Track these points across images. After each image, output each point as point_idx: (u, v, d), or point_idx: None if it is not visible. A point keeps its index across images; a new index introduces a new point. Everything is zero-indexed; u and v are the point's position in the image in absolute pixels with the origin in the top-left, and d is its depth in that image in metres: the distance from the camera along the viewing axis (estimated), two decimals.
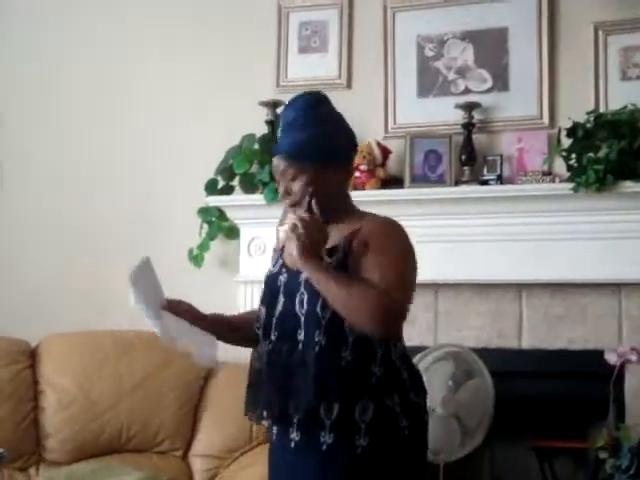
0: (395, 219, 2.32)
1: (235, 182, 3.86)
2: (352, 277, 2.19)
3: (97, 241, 4.12)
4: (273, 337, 2.31)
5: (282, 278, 2.33)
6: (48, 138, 4.25)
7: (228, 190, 3.87)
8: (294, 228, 2.20)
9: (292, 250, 2.21)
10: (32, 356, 3.50)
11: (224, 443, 3.41)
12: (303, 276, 2.24)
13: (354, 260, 2.23)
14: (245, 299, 3.83)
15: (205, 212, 3.90)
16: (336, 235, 2.28)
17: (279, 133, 2.35)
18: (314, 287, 2.20)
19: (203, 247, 3.88)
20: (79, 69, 4.24)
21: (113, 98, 4.19)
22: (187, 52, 4.11)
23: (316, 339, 2.18)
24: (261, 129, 3.82)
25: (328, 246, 2.25)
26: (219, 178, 3.88)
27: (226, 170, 3.85)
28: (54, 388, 3.40)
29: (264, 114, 3.82)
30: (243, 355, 3.69)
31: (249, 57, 4.02)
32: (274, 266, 2.40)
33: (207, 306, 3.92)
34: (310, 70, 3.94)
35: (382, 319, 2.13)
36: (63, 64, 4.26)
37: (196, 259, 3.89)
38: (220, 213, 3.87)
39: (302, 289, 2.25)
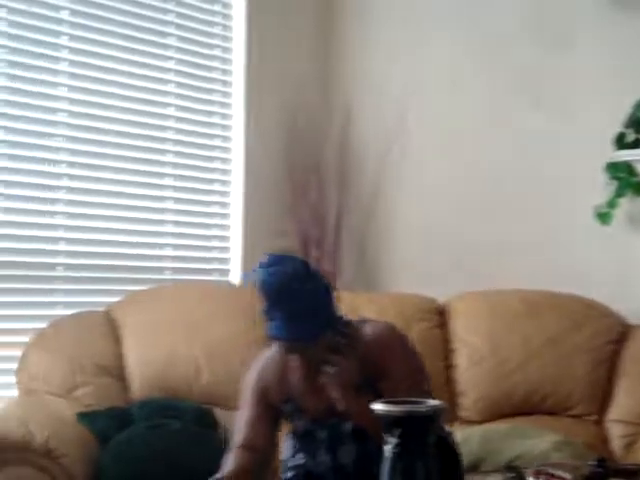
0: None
1: None
2: None
3: (506, 201, 4.09)
4: None
5: (321, 434, 2.50)
6: (452, 102, 4.27)
7: (638, 144, 3.66)
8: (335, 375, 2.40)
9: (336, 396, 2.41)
10: (441, 314, 3.56)
11: None
12: (347, 427, 2.45)
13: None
14: None
15: (613, 168, 3.71)
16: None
17: (272, 309, 2.39)
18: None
19: (611, 204, 3.70)
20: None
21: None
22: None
23: None
24: None
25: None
26: (628, 131, 3.68)
27: (635, 122, 3.64)
28: (465, 346, 3.42)
29: None
30: None
31: None
32: (299, 420, 2.55)
33: (616, 265, 3.80)
34: None
35: None
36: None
37: (603, 217, 3.72)
38: (629, 168, 3.68)
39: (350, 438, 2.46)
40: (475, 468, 3.06)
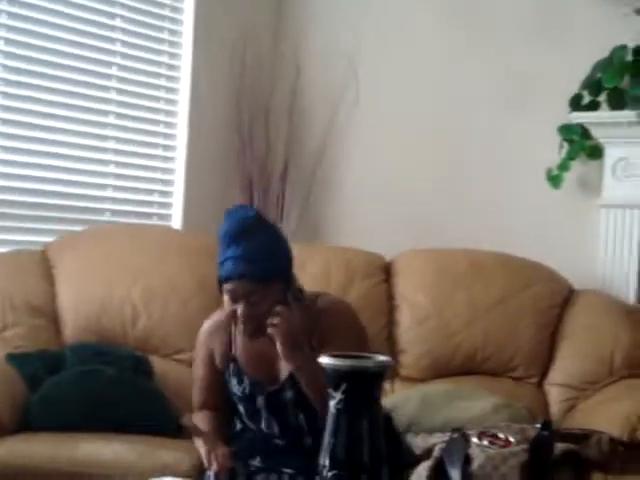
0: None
1: (602, 98, 3.59)
2: None
3: (457, 159, 4.01)
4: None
5: (260, 399, 2.47)
6: (404, 54, 4.17)
7: (594, 106, 3.61)
8: (279, 323, 2.35)
9: (280, 345, 2.36)
10: (387, 271, 3.49)
11: (583, 374, 3.20)
12: (288, 395, 2.43)
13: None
14: (607, 225, 3.58)
15: (567, 130, 3.66)
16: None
17: (227, 251, 2.38)
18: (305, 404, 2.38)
19: (563, 167, 3.66)
20: None
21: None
22: None
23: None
24: (634, 40, 3.50)
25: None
26: (585, 93, 3.63)
27: (593, 85, 3.59)
28: (409, 304, 3.35)
29: (639, 23, 3.50)
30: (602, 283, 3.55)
31: None
32: (240, 384, 2.51)
33: (565, 230, 3.76)
34: None
35: None
36: None
37: (554, 180, 3.68)
38: (583, 131, 3.63)
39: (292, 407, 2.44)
40: (410, 428, 3.01)
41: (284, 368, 2.47)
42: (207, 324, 2.67)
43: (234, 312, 2.43)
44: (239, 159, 4.24)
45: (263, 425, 2.49)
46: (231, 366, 2.53)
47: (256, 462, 2.43)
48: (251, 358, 2.52)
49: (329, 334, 2.45)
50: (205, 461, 2.43)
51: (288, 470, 2.39)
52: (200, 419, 2.61)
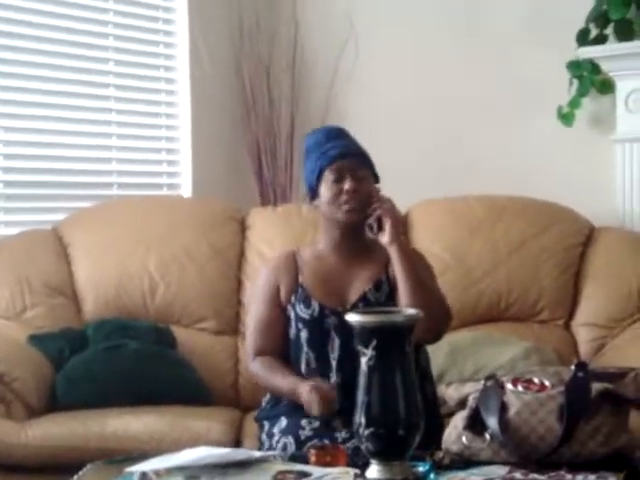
0: None
1: (609, 30, 3.51)
2: None
3: (464, 105, 3.91)
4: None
5: (330, 320, 2.42)
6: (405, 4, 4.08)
7: (602, 40, 3.53)
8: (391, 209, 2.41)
9: (389, 226, 2.39)
10: (403, 224, 3.43)
11: (609, 311, 3.17)
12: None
13: None
14: (623, 160, 3.52)
15: (575, 66, 3.58)
16: (373, 266, 2.49)
17: (324, 145, 2.47)
18: None
19: (574, 104, 3.59)
20: None
21: None
22: None
23: None
24: None
25: (373, 280, 2.47)
26: (591, 27, 3.55)
27: (599, 17, 3.51)
28: (428, 255, 3.26)
29: None
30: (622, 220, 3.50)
31: None
32: (308, 307, 2.45)
33: (580, 168, 3.71)
34: None
35: (447, 324, 2.54)
36: None
37: (566, 118, 3.61)
38: (592, 66, 3.55)
39: None
40: (440, 379, 2.98)
41: (355, 289, 2.45)
42: (271, 262, 2.63)
43: (339, 192, 2.42)
44: (244, 122, 4.18)
45: (329, 347, 2.41)
46: (299, 291, 2.47)
47: (306, 431, 2.36)
48: (319, 282, 2.47)
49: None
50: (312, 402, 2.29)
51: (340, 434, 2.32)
52: (265, 366, 2.48)
